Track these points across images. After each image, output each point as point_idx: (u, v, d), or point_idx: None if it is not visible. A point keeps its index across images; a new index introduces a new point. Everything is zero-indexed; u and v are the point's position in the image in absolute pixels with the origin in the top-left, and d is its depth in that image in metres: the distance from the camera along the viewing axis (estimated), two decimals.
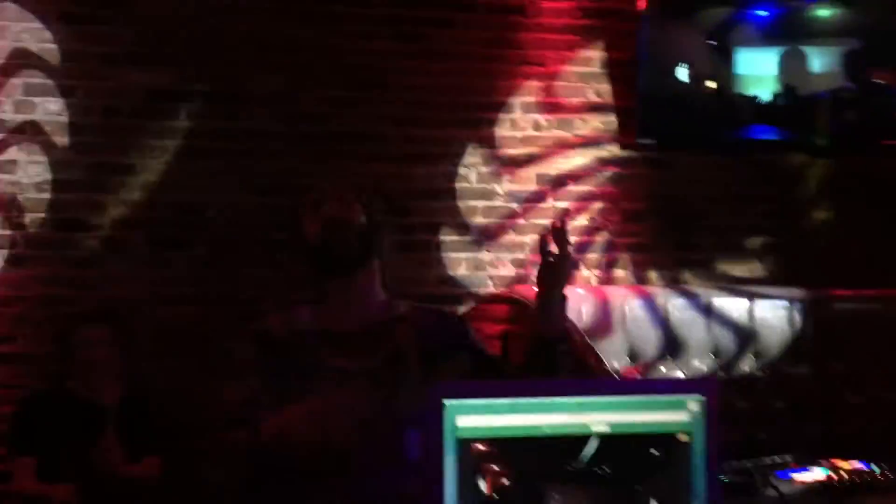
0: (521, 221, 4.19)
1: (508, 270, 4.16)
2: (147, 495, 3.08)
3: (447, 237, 4.11)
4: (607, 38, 4.20)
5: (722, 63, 4.14)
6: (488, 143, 4.15)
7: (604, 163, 4.25)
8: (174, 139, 3.86)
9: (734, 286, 4.16)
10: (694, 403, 1.25)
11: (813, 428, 3.84)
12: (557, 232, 1.82)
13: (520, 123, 4.19)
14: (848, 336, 4.03)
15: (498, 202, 4.18)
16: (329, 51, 3.98)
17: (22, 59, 3.77)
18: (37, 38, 3.76)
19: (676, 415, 1.24)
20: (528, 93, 4.18)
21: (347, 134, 4.00)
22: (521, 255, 4.18)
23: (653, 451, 1.25)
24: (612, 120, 4.23)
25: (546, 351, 1.69)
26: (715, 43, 4.16)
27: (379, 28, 4.02)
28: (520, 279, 4.15)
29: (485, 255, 4.16)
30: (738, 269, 4.33)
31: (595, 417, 1.24)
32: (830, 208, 4.41)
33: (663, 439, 1.24)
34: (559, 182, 4.22)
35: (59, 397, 3.17)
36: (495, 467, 1.24)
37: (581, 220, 4.21)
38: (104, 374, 3.13)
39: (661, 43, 4.03)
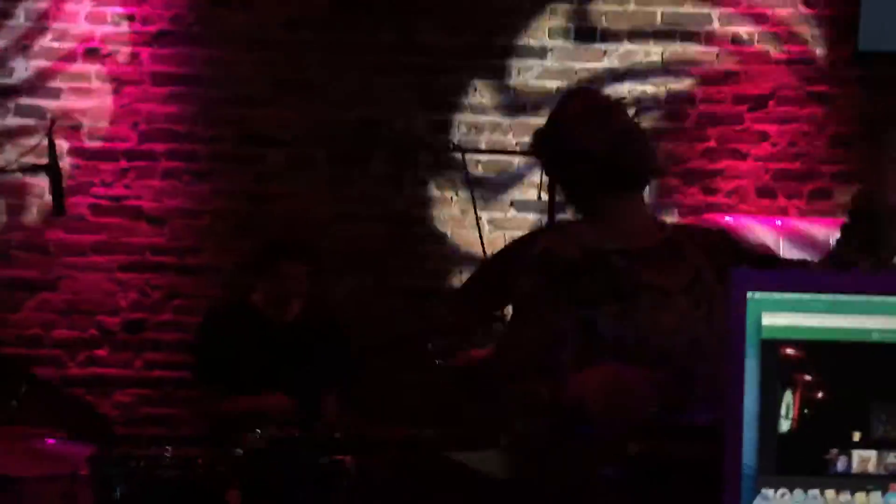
0: (712, 145, 3.86)
1: (697, 198, 3.86)
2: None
3: None
4: None
5: None
6: (679, 60, 3.82)
7: (811, 81, 3.84)
8: (354, 54, 3.74)
9: None
10: None
11: None
12: None
13: (716, 38, 3.84)
14: None
15: (687, 124, 3.86)
16: None
17: None
18: None
19: None
20: (724, 2, 3.82)
21: (525, 47, 3.78)
22: (711, 182, 3.86)
23: None
24: (823, 31, 3.81)
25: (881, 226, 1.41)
26: None
27: None
28: (710, 207, 3.84)
29: (671, 181, 3.87)
30: None
31: None
32: None
33: None
34: (758, 103, 3.86)
35: (243, 310, 3.15)
36: (808, 377, 1.02)
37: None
38: (292, 298, 3.12)
39: None
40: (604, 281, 1.62)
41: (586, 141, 1.68)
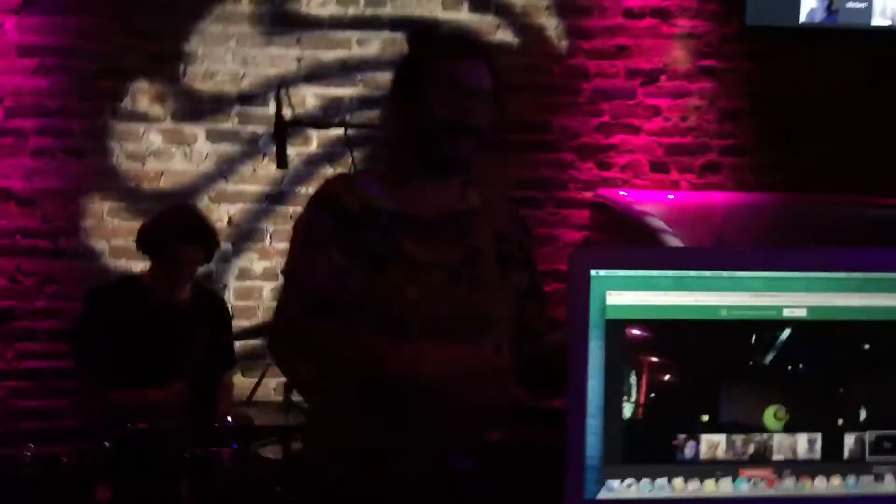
0: (606, 121, 3.84)
1: (592, 173, 3.83)
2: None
3: (525, 135, 3.78)
4: None
5: None
6: (572, 33, 3.77)
7: (701, 56, 3.84)
8: (233, 24, 3.58)
9: (844, 195, 3.76)
10: None
11: None
12: None
13: (608, 12, 3.80)
14: None
15: (581, 99, 3.82)
16: None
17: None
18: None
19: None
20: None
21: (413, 19, 3.68)
22: (605, 157, 3.84)
23: (866, 344, 0.95)
24: (712, 6, 3.81)
25: None
26: None
27: None
28: (605, 181, 3.82)
29: (566, 156, 3.83)
30: (849, 177, 3.91)
31: (790, 299, 0.94)
32: None
33: (882, 330, 0.94)
34: (651, 77, 3.84)
35: (130, 290, 2.95)
36: (654, 359, 0.96)
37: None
38: (184, 281, 2.95)
39: None
40: (365, 239, 1.58)
41: (420, 107, 1.61)
